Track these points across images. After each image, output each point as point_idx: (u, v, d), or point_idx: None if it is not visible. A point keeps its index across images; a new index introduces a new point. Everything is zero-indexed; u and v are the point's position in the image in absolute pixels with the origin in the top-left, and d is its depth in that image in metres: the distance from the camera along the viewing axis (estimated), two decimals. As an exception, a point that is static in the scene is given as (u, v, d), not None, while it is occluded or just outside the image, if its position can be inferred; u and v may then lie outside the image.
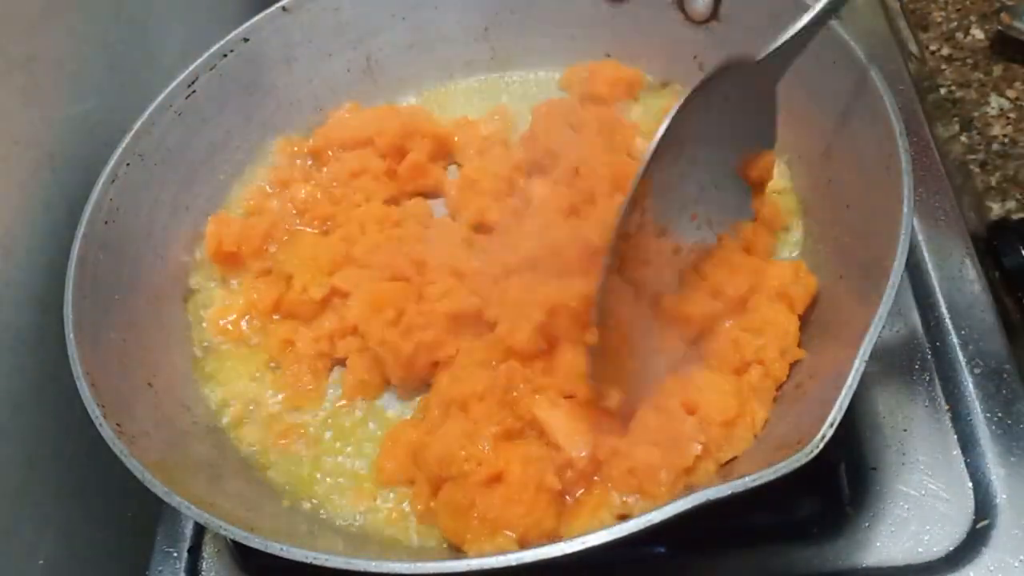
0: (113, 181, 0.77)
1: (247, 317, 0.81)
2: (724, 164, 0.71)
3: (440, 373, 0.73)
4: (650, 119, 0.89)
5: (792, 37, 0.65)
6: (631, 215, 0.62)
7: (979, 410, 0.72)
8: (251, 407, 0.76)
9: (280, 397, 0.76)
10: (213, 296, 0.82)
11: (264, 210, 0.87)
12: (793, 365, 0.68)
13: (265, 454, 0.73)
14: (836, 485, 0.70)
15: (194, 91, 0.84)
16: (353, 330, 0.76)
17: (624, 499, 0.64)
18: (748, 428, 0.65)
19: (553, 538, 0.62)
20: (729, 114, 0.66)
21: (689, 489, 0.62)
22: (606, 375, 0.64)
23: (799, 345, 0.69)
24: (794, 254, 0.78)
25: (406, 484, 0.69)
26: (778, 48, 0.65)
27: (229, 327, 0.80)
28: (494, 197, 0.84)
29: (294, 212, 0.87)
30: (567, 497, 0.64)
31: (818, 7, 0.65)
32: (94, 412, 0.64)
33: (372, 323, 0.74)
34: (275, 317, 0.80)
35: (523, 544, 0.61)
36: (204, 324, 0.81)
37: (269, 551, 0.57)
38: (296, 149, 0.91)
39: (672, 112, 0.60)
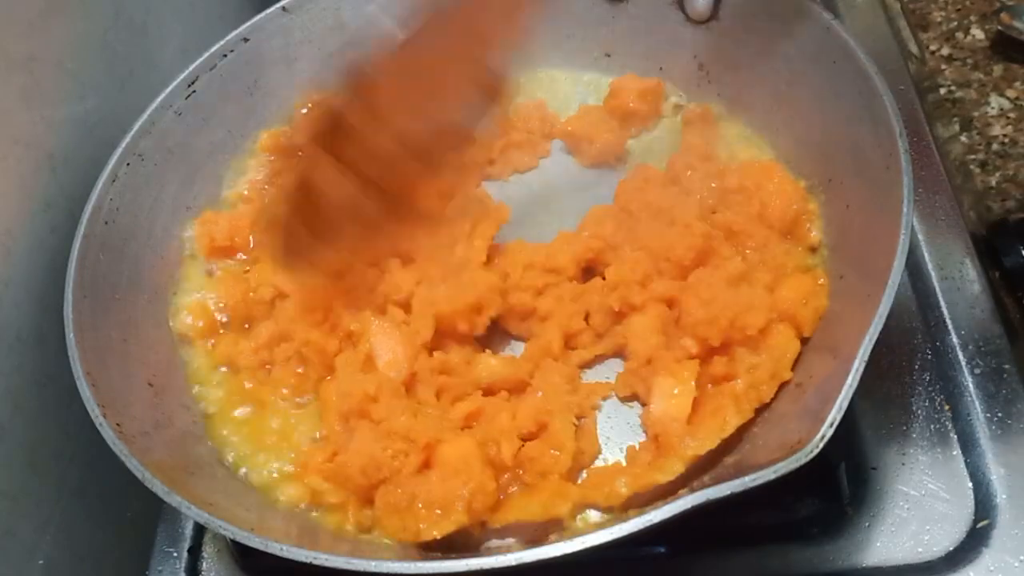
0: (113, 181, 0.78)
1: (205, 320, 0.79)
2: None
3: (323, 388, 0.73)
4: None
5: None
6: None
7: (979, 410, 0.72)
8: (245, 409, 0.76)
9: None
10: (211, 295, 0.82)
11: (255, 200, 0.86)
12: (793, 366, 0.69)
13: (264, 454, 0.73)
14: (836, 485, 0.70)
15: (194, 91, 0.84)
16: (288, 335, 0.76)
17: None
18: (716, 430, 0.65)
19: (497, 507, 0.64)
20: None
21: (691, 489, 0.62)
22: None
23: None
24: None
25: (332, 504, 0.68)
26: None
27: (192, 328, 0.79)
28: None
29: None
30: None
31: None
32: (94, 412, 0.64)
33: (300, 326, 0.74)
34: (222, 321, 0.80)
35: (472, 516, 0.62)
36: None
37: (270, 551, 0.57)
38: (284, 141, 0.90)
39: None
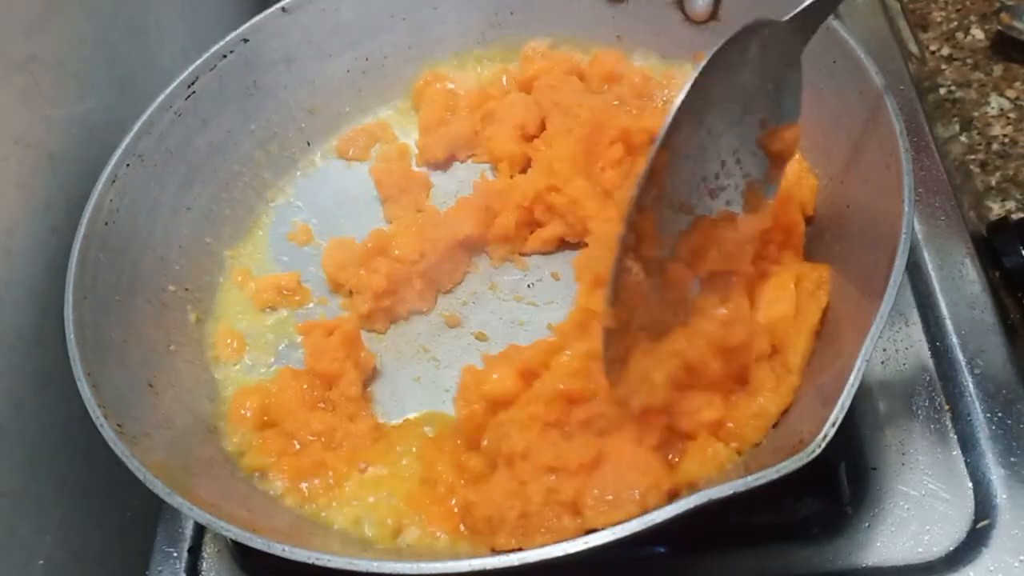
0: (113, 182, 0.77)
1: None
2: (746, 137, 0.65)
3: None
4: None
5: None
6: (648, 189, 0.57)
7: (979, 410, 0.72)
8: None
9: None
10: (214, 297, 0.82)
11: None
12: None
13: (265, 456, 0.73)
14: (836, 485, 0.70)
15: (194, 91, 0.84)
16: None
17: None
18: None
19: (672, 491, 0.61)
20: (751, 82, 0.62)
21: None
22: (619, 355, 0.60)
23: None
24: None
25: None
26: (806, 9, 0.62)
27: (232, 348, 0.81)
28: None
29: None
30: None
31: None
32: (95, 413, 0.64)
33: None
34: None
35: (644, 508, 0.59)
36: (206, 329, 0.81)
37: (272, 552, 0.57)
38: None
39: (693, 76, 0.56)
